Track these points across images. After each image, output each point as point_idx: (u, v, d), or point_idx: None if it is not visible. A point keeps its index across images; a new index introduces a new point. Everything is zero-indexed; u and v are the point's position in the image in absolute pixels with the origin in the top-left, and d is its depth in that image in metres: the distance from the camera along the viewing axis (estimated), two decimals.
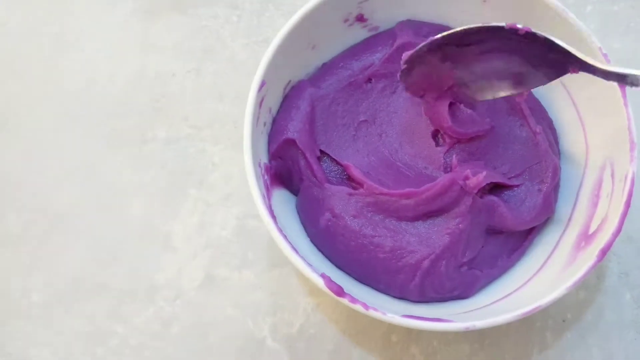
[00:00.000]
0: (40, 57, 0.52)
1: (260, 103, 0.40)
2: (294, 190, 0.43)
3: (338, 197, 0.41)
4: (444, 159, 0.42)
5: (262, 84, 0.39)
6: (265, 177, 0.40)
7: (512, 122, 0.44)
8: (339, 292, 0.36)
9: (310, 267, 0.36)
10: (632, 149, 0.37)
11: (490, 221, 0.41)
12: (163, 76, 0.51)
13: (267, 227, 0.38)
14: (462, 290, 0.40)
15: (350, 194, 0.41)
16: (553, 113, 0.44)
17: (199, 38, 0.52)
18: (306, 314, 0.46)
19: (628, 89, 0.38)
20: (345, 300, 0.36)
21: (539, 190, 0.42)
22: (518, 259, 0.42)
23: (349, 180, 0.42)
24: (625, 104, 0.38)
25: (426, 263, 0.39)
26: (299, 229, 0.42)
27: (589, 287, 0.45)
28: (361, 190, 0.40)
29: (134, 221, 0.48)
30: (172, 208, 0.48)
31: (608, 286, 0.45)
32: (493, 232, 0.41)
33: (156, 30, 0.52)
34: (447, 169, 0.42)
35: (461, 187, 0.39)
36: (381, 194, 0.40)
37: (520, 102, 0.43)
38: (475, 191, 0.39)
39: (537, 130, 0.42)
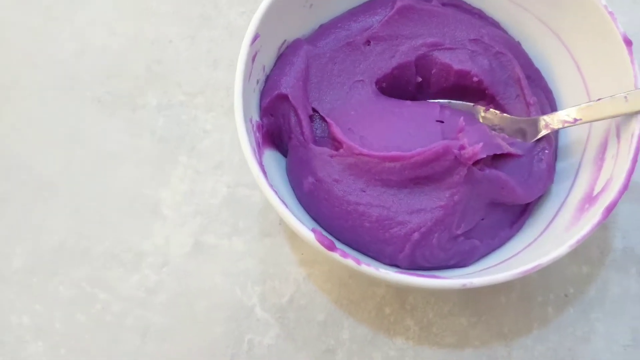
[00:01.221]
0: (32, 24, 0.51)
1: (253, 58, 0.38)
2: (284, 151, 0.42)
3: (320, 159, 0.39)
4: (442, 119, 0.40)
5: (256, 37, 0.38)
6: (257, 134, 0.39)
7: (509, 92, 0.42)
8: (330, 246, 0.34)
9: (300, 222, 0.35)
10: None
11: (496, 195, 0.39)
12: (159, 42, 0.50)
13: (256, 181, 0.36)
14: (458, 259, 0.38)
15: (332, 155, 0.39)
16: (555, 78, 0.42)
17: (196, 5, 0.51)
18: (297, 284, 0.44)
19: (635, 49, 0.37)
20: (336, 255, 0.34)
21: (540, 159, 0.40)
22: (520, 228, 0.40)
23: (334, 140, 0.40)
24: (632, 62, 0.37)
25: (416, 235, 0.37)
26: (288, 191, 0.40)
27: (592, 261, 0.43)
28: (341, 150, 0.38)
29: (122, 187, 0.46)
30: (161, 175, 0.46)
31: (612, 260, 0.43)
32: (494, 204, 0.40)
33: None
34: (446, 133, 0.40)
35: (455, 156, 0.36)
36: (361, 154, 0.37)
37: (519, 73, 0.41)
38: (471, 162, 0.37)
39: (531, 101, 0.41)
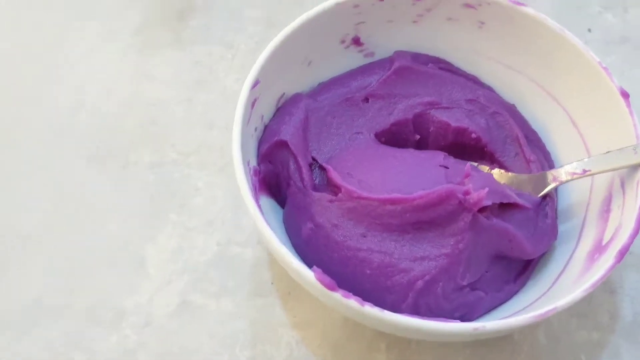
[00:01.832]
0: (32, 83, 0.51)
1: (252, 103, 0.38)
2: (281, 202, 0.40)
3: (319, 205, 0.37)
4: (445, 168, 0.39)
5: (256, 83, 0.38)
6: (253, 178, 0.38)
7: (508, 151, 0.42)
8: (331, 285, 0.32)
9: (298, 260, 0.33)
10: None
11: (502, 248, 0.37)
12: (154, 104, 0.50)
13: (253, 218, 0.34)
14: (463, 312, 0.36)
15: (331, 200, 0.37)
16: (553, 139, 0.43)
17: (193, 71, 0.51)
18: (289, 348, 0.41)
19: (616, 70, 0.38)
20: (337, 295, 0.32)
21: (545, 215, 0.39)
22: (524, 283, 0.38)
23: (332, 186, 0.39)
24: (631, 114, 0.37)
25: (420, 284, 0.35)
26: (285, 240, 0.38)
27: (602, 327, 0.41)
28: (340, 195, 0.37)
29: (107, 244, 0.44)
30: (149, 232, 0.44)
31: (623, 327, 0.41)
32: (497, 257, 0.38)
33: (152, 63, 0.52)
34: (450, 178, 0.39)
35: (460, 201, 0.35)
36: (360, 197, 0.36)
37: (517, 131, 0.42)
38: (476, 209, 0.36)
39: (531, 158, 0.41)
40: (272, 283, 0.43)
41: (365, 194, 0.36)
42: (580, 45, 0.39)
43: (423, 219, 0.36)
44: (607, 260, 0.33)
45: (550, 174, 0.39)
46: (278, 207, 0.40)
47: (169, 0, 0.55)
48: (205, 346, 0.40)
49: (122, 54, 0.52)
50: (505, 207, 0.38)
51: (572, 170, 0.38)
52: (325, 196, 0.38)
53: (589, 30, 0.53)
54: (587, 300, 0.42)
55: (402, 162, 0.39)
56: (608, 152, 0.37)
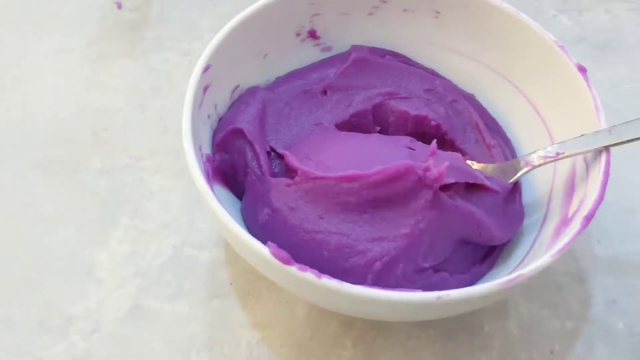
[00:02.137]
0: None
1: (204, 88, 0.37)
2: (238, 193, 0.39)
3: (277, 189, 0.36)
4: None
5: (207, 67, 0.37)
6: (206, 165, 0.36)
7: (468, 137, 0.41)
8: (287, 260, 0.30)
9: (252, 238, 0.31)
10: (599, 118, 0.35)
11: (469, 233, 0.36)
12: (107, 111, 0.48)
13: (204, 197, 0.33)
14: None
15: (288, 185, 0.36)
16: (514, 124, 0.42)
17: (148, 79, 0.50)
18: (250, 349, 0.38)
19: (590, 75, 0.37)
20: (293, 269, 0.30)
21: (514, 200, 0.38)
22: (492, 264, 0.37)
23: (290, 171, 0.37)
24: (589, 87, 0.36)
25: (378, 265, 0.33)
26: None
27: (574, 315, 0.40)
28: (297, 178, 0.36)
29: (56, 250, 0.41)
30: (100, 237, 0.42)
31: (596, 315, 0.40)
32: (464, 241, 0.37)
33: (106, 73, 0.51)
34: (415, 158, 0.36)
35: (419, 177, 0.34)
36: (316, 178, 0.35)
37: (476, 118, 0.41)
38: (437, 185, 0.34)
39: (492, 143, 0.40)
40: (230, 284, 0.40)
41: (321, 174, 0.35)
42: (536, 26, 0.39)
43: (381, 197, 0.34)
44: (573, 228, 0.32)
45: (522, 160, 0.39)
46: (235, 200, 0.39)
47: (124, 12, 0.54)
48: (159, 350, 0.38)
49: (75, 64, 0.51)
50: (473, 190, 0.37)
51: (544, 154, 0.37)
52: (283, 180, 0.36)
53: None
54: (558, 290, 0.41)
55: (365, 144, 0.38)
56: (583, 135, 0.36)
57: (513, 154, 0.41)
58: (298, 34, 0.43)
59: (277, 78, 0.43)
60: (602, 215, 0.43)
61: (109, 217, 0.43)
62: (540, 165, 0.38)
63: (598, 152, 0.34)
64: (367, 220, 0.34)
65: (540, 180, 0.39)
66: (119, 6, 0.54)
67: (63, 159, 0.46)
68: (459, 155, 0.38)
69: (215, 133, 0.39)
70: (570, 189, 0.36)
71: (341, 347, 0.38)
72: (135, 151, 0.46)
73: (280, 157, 0.39)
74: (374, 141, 0.39)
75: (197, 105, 0.36)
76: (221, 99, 0.39)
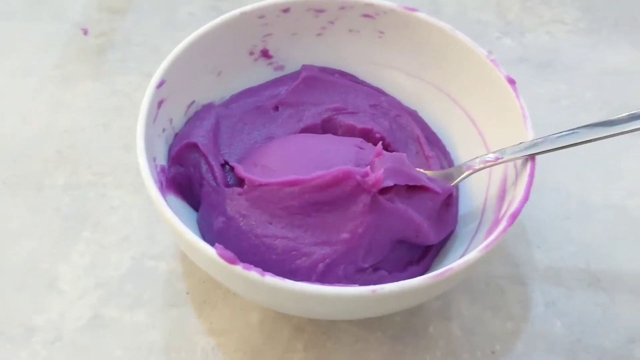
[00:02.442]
0: None
1: (159, 103, 0.39)
2: (194, 204, 0.41)
3: (230, 199, 0.38)
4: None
5: (162, 82, 0.39)
6: (160, 175, 0.38)
7: (410, 149, 0.44)
8: (232, 260, 0.32)
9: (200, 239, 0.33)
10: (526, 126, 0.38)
11: (406, 235, 0.38)
12: (71, 130, 0.50)
13: (155, 204, 0.35)
14: None
15: (239, 193, 0.38)
16: (454, 137, 0.44)
17: (111, 99, 0.52)
18: (205, 355, 0.40)
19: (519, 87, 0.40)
20: (239, 268, 0.32)
21: (449, 203, 0.41)
22: (429, 264, 0.39)
23: (240, 181, 0.40)
24: (518, 97, 0.39)
25: (321, 267, 0.36)
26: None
27: (515, 317, 0.42)
28: (246, 187, 0.38)
29: (17, 263, 0.43)
30: (61, 250, 0.44)
31: (535, 316, 0.42)
32: (401, 242, 0.39)
33: (70, 94, 0.52)
34: (361, 160, 0.39)
35: (358, 182, 0.36)
36: (260, 185, 0.37)
37: (418, 132, 0.44)
38: (375, 190, 0.36)
39: (430, 155, 0.43)
40: (187, 293, 0.42)
41: (265, 181, 0.37)
42: (469, 42, 0.41)
43: (323, 201, 0.36)
44: (502, 224, 0.34)
45: (464, 165, 0.40)
46: (191, 211, 0.41)
47: (89, 38, 0.57)
48: (119, 357, 0.39)
49: (40, 86, 0.53)
50: (414, 191, 0.38)
51: (485, 159, 0.39)
52: (235, 190, 0.38)
53: (489, 52, 0.56)
54: (500, 292, 0.43)
55: (316, 145, 0.40)
56: (521, 142, 0.38)
57: (451, 165, 0.43)
58: (251, 53, 0.45)
59: (232, 96, 0.45)
60: (542, 222, 0.46)
61: (71, 231, 0.45)
62: (480, 169, 0.40)
63: (525, 160, 0.37)
64: (311, 224, 0.36)
65: (476, 191, 0.42)
66: (85, 32, 0.56)
67: (28, 176, 0.47)
68: (403, 156, 0.39)
69: (171, 147, 0.41)
70: (502, 193, 0.39)
71: (293, 350, 0.40)
72: (98, 168, 0.48)
73: (234, 169, 0.41)
74: (326, 141, 0.41)
75: (152, 118, 0.38)
76: (176, 114, 0.41)
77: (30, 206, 0.46)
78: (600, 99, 0.54)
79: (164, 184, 0.38)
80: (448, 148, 0.44)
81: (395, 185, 0.37)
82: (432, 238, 0.39)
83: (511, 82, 0.40)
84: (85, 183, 0.47)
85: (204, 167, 0.40)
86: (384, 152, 0.38)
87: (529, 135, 0.37)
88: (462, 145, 0.44)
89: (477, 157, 0.40)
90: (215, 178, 0.39)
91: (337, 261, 0.36)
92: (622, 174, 0.49)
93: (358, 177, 0.36)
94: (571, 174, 0.48)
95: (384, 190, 0.37)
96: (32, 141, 0.49)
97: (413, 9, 0.43)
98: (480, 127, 0.42)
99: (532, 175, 0.36)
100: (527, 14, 0.60)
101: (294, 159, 0.39)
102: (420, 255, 0.39)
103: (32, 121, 0.50)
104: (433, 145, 0.44)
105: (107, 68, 0.54)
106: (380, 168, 0.36)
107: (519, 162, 0.38)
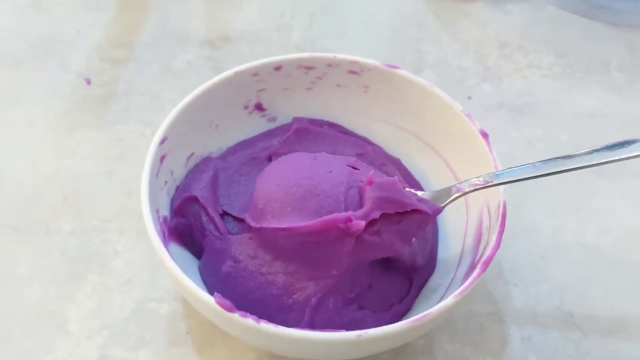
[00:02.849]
0: None
1: (161, 158, 0.42)
2: (195, 251, 0.44)
3: (239, 244, 0.42)
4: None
5: (164, 139, 0.42)
6: (162, 225, 0.41)
7: None
8: (230, 308, 0.35)
9: (197, 286, 0.36)
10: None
11: (391, 259, 0.42)
12: (77, 177, 0.53)
13: (159, 255, 0.38)
14: (353, 329, 0.39)
15: (250, 237, 0.42)
16: (434, 183, 0.48)
17: (114, 147, 0.55)
18: None
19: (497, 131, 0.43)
20: (236, 316, 0.35)
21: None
22: (410, 304, 0.42)
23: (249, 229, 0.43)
24: (490, 150, 0.43)
25: (314, 300, 0.39)
26: (201, 286, 0.41)
27: (494, 352, 0.45)
28: (251, 234, 0.42)
29: (26, 307, 0.46)
30: (68, 293, 0.46)
31: (512, 351, 0.45)
32: (382, 268, 0.42)
33: (74, 142, 0.56)
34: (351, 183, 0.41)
35: (342, 229, 0.38)
36: (262, 228, 0.40)
37: (401, 179, 0.47)
38: (357, 234, 0.38)
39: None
40: (187, 333, 0.45)
41: (265, 225, 0.40)
42: (446, 98, 0.45)
43: (311, 241, 0.39)
44: (476, 271, 0.37)
45: (454, 187, 0.43)
46: (193, 258, 0.44)
47: (93, 88, 0.60)
48: None
49: (45, 135, 0.56)
50: (404, 215, 0.40)
51: (475, 182, 0.42)
52: (246, 235, 0.42)
53: (469, 98, 0.60)
54: (480, 329, 0.46)
55: (307, 171, 0.42)
56: (509, 168, 0.41)
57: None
58: (246, 107, 0.49)
59: (228, 148, 0.49)
60: (518, 261, 0.49)
61: (78, 274, 0.47)
62: (469, 192, 0.42)
63: (498, 206, 0.40)
64: (307, 260, 0.40)
65: (455, 227, 0.45)
66: (88, 82, 0.60)
67: (36, 221, 0.50)
68: (395, 182, 0.40)
69: (173, 200, 0.44)
70: (479, 236, 0.42)
71: None
72: (102, 214, 0.51)
73: (235, 218, 0.44)
74: (320, 164, 0.43)
75: (155, 173, 0.41)
76: (177, 166, 0.45)
77: (39, 251, 0.49)
78: (574, 141, 0.57)
79: (166, 233, 0.41)
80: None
81: (383, 214, 0.39)
82: (419, 262, 0.42)
83: (484, 135, 0.43)
84: (90, 228, 0.50)
85: (205, 218, 0.43)
86: (375, 180, 0.40)
87: (500, 187, 0.41)
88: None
89: (466, 180, 0.42)
90: (217, 228, 0.43)
91: (328, 294, 0.39)
92: (593, 213, 0.52)
93: (341, 225, 0.38)
94: (545, 213, 0.52)
95: (371, 222, 0.39)
96: (40, 188, 0.52)
97: (394, 67, 0.47)
98: (457, 174, 0.46)
99: (503, 224, 0.39)
100: (504, 60, 0.64)
101: (290, 195, 0.41)
102: (403, 295, 0.42)
103: (39, 168, 0.54)
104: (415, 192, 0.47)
105: (110, 116, 0.58)
106: (369, 198, 0.39)
107: (492, 208, 0.41)
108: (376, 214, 0.39)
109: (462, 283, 0.39)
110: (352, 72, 0.48)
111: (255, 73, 0.47)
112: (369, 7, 0.70)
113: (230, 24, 0.67)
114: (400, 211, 0.40)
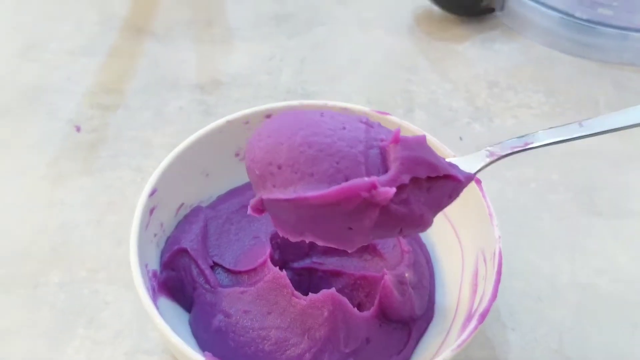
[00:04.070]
0: None
1: (151, 210, 0.42)
2: (186, 304, 0.43)
3: (231, 297, 0.41)
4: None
5: (154, 191, 0.42)
6: (152, 280, 0.41)
7: (388, 243, 0.46)
8: None
9: (188, 345, 0.35)
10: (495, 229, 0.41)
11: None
12: (65, 227, 0.52)
13: (148, 312, 0.37)
14: None
15: (242, 292, 0.41)
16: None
17: (103, 195, 0.55)
18: None
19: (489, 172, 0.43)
20: None
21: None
22: (408, 356, 0.41)
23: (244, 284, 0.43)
24: (484, 196, 0.42)
25: (307, 356, 0.38)
26: (191, 341, 0.40)
27: None
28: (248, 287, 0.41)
29: None
30: (56, 348, 0.45)
31: None
32: (378, 322, 0.41)
33: (63, 191, 0.55)
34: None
35: (366, 199, 0.31)
36: (261, 201, 0.35)
37: None
38: (384, 204, 0.32)
39: (406, 249, 0.44)
40: None
41: (266, 196, 0.34)
42: (438, 144, 0.45)
43: (327, 217, 0.33)
44: (472, 325, 0.37)
45: (486, 151, 0.38)
46: (183, 312, 0.43)
47: (82, 134, 0.60)
48: None
49: (34, 184, 0.55)
50: (434, 181, 0.34)
51: (512, 144, 0.37)
52: (237, 289, 0.41)
53: (461, 138, 0.60)
54: None
55: (319, 122, 0.34)
56: (551, 127, 0.38)
57: (427, 258, 0.46)
58: (237, 154, 0.48)
59: (219, 196, 0.48)
60: (515, 305, 0.48)
61: (67, 327, 0.46)
62: (506, 155, 0.38)
63: (493, 254, 0.40)
64: (299, 317, 0.39)
65: (451, 277, 0.44)
66: (78, 129, 0.59)
67: (24, 274, 0.49)
68: (423, 138, 0.34)
69: (162, 253, 0.43)
70: (474, 285, 0.41)
71: None
72: (91, 264, 0.50)
73: (226, 270, 0.44)
74: (329, 119, 0.35)
75: (144, 226, 0.41)
76: (167, 217, 0.44)
77: (27, 304, 0.48)
78: (566, 180, 0.57)
79: (156, 288, 0.41)
80: (424, 240, 0.47)
81: (412, 179, 0.33)
82: (417, 312, 0.41)
83: (478, 182, 0.43)
84: (79, 279, 0.49)
85: (195, 271, 0.42)
86: (401, 138, 0.33)
87: (495, 233, 0.40)
88: (437, 237, 0.47)
89: (498, 143, 0.38)
90: (208, 281, 0.42)
91: (322, 349, 0.38)
92: (588, 253, 0.52)
93: (365, 194, 0.31)
94: (540, 254, 0.51)
95: (399, 188, 0.32)
96: (28, 239, 0.52)
97: (386, 113, 0.47)
98: (452, 221, 0.45)
99: (499, 274, 0.38)
100: (494, 100, 0.64)
101: (298, 156, 0.33)
102: (401, 347, 0.41)
103: (27, 219, 0.53)
104: (411, 240, 0.46)
105: (99, 164, 0.57)
106: (396, 158, 0.32)
107: (488, 256, 0.41)
108: (405, 178, 0.32)
109: (460, 334, 0.38)
110: None
111: (246, 121, 0.47)
112: (358, 49, 0.70)
113: (221, 68, 0.67)
114: (432, 175, 0.33)
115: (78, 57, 0.68)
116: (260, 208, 0.35)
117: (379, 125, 0.36)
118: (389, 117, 0.47)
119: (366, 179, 0.31)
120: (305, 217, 0.32)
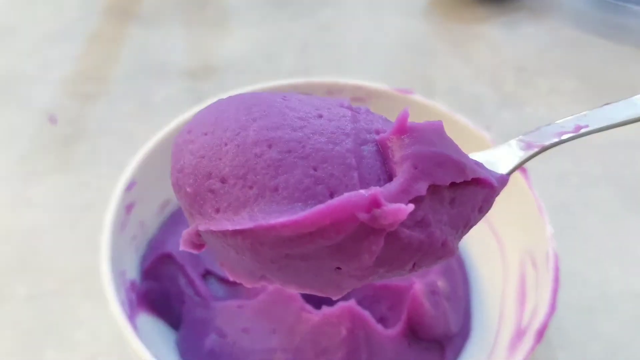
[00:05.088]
0: None
1: (128, 207, 0.35)
2: (172, 321, 0.35)
3: (226, 312, 0.34)
4: None
5: (132, 184, 0.35)
6: (130, 293, 0.33)
7: None
8: None
9: None
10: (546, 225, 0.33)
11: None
12: (35, 231, 0.45)
13: (122, 331, 0.30)
14: None
15: (240, 306, 0.34)
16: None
17: (79, 195, 0.48)
18: None
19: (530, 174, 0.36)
20: None
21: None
22: None
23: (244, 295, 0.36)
24: (530, 186, 0.35)
25: None
26: None
27: None
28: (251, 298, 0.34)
29: None
30: None
31: None
32: (407, 339, 0.34)
33: (34, 191, 0.48)
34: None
35: (363, 222, 0.20)
36: (199, 233, 0.24)
37: None
38: (392, 228, 0.20)
39: None
40: None
41: (204, 226, 0.23)
42: (471, 125, 0.38)
43: (300, 255, 0.25)
44: (526, 343, 0.29)
45: (519, 141, 0.27)
46: (169, 330, 0.36)
47: (58, 127, 0.53)
48: None
49: (3, 182, 0.48)
50: (459, 187, 0.23)
51: (559, 130, 0.27)
52: (234, 302, 0.34)
53: (488, 127, 0.53)
54: None
55: (282, 109, 0.23)
56: (605, 104, 0.28)
57: (459, 262, 0.39)
58: None
59: None
60: (561, 318, 0.41)
61: (33, 349, 0.39)
62: (555, 144, 0.27)
63: (547, 257, 0.33)
64: (309, 335, 0.33)
65: (490, 287, 0.38)
66: (53, 121, 0.52)
67: None
68: (440, 125, 0.23)
69: (143, 258, 0.36)
70: (522, 297, 0.34)
71: None
72: (63, 274, 0.43)
73: (220, 279, 0.36)
74: (297, 105, 0.23)
75: (119, 226, 0.34)
76: (149, 216, 0.37)
77: None
78: (608, 173, 0.50)
79: (134, 302, 0.33)
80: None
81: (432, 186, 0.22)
82: (452, 329, 0.35)
83: (522, 170, 0.36)
84: (48, 292, 0.42)
85: (183, 281, 0.35)
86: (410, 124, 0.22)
87: (547, 231, 0.33)
88: (471, 239, 0.39)
89: (534, 130, 0.28)
90: (198, 293, 0.35)
91: None
92: None
93: (362, 216, 0.20)
94: (588, 261, 0.44)
95: (413, 202, 0.21)
96: None
97: (407, 91, 0.40)
98: (489, 217, 0.38)
99: (556, 281, 0.31)
100: (522, 86, 0.57)
101: (252, 162, 0.21)
102: None
103: None
104: None
105: (75, 160, 0.50)
106: (406, 157, 0.21)
107: (538, 259, 0.33)
108: (421, 188, 0.21)
109: (509, 354, 0.31)
110: (356, 98, 0.40)
111: None
112: (368, 33, 0.63)
113: (214, 52, 0.60)
114: (457, 181, 0.22)
115: (56, 43, 0.61)
116: (197, 242, 0.24)
117: (367, 110, 0.24)
118: (411, 96, 0.40)
119: (362, 191, 0.20)
120: (268, 255, 0.21)
